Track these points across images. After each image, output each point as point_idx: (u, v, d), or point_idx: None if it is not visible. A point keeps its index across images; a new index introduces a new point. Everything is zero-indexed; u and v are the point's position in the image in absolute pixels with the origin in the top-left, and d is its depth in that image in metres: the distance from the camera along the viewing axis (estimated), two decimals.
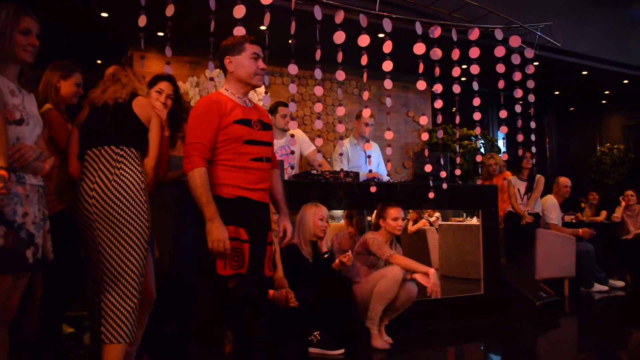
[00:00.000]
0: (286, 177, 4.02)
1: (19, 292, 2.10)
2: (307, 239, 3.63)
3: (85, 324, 3.47)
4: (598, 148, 10.71)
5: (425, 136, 5.01)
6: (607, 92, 10.08)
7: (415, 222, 7.51)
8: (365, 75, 4.19)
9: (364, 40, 4.14)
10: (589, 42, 7.74)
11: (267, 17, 3.80)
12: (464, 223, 6.85)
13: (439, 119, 4.65)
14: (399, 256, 3.74)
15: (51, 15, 5.68)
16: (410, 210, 7.28)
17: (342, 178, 4.11)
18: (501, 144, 9.79)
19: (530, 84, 5.01)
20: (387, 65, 4.20)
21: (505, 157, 5.92)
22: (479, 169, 5.34)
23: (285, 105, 4.60)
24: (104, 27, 6.33)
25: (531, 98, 5.10)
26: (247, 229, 2.34)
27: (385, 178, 4.76)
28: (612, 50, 8.03)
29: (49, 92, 2.88)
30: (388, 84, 4.23)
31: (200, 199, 2.26)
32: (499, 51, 4.75)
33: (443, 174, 4.49)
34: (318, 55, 4.05)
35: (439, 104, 4.64)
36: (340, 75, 4.07)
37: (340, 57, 4.05)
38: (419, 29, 4.46)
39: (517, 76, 4.89)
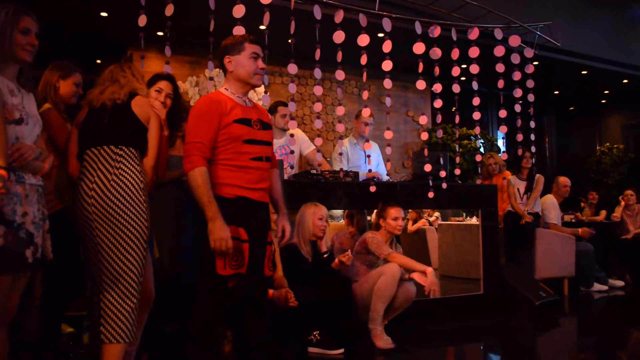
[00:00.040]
0: (286, 177, 4.02)
1: (19, 292, 2.10)
2: (306, 239, 3.64)
3: (84, 323, 3.47)
4: (598, 148, 10.72)
5: (424, 136, 5.01)
6: (606, 92, 10.08)
7: (414, 221, 7.51)
8: (364, 74, 4.19)
9: (363, 40, 4.14)
10: (589, 42, 7.74)
11: (267, 17, 3.80)
12: (464, 223, 6.85)
13: (439, 118, 4.65)
14: (397, 255, 3.75)
15: (51, 15, 5.68)
16: (410, 210, 7.28)
17: (341, 178, 4.11)
18: (501, 143, 9.79)
19: (530, 83, 5.01)
20: (387, 65, 4.20)
21: (504, 156, 5.92)
22: (479, 169, 5.34)
23: (285, 104, 4.60)
24: (103, 27, 6.33)
25: (531, 98, 5.10)
26: (247, 228, 2.34)
27: (385, 178, 4.76)
28: (611, 50, 8.03)
29: (48, 92, 2.88)
30: (388, 83, 4.23)
31: (202, 199, 2.26)
32: (499, 51, 4.75)
33: (442, 174, 4.49)
34: (318, 54, 4.05)
35: (438, 103, 4.64)
36: (340, 74, 4.07)
37: (339, 56, 4.05)
38: (418, 28, 4.46)
39: (517, 76, 4.89)
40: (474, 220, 6.67)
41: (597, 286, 6.03)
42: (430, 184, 4.40)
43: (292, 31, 3.88)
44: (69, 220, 2.55)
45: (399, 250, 3.99)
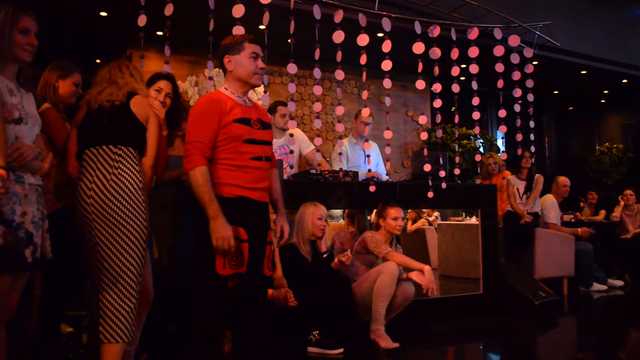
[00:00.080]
0: (285, 177, 4.02)
1: (18, 292, 2.10)
2: (305, 239, 3.64)
3: (84, 323, 3.47)
4: (597, 147, 10.73)
5: (424, 135, 5.00)
6: (606, 92, 10.09)
7: (414, 221, 7.51)
8: (364, 74, 4.19)
9: (363, 40, 4.14)
10: (588, 42, 7.74)
11: (266, 17, 3.80)
12: (463, 222, 6.86)
13: (438, 118, 4.65)
14: (395, 253, 3.76)
15: (50, 15, 5.68)
16: (410, 210, 7.28)
17: (341, 177, 4.11)
18: (500, 143, 9.79)
19: (530, 83, 5.00)
20: (386, 65, 4.20)
21: (504, 156, 5.93)
22: (478, 169, 5.34)
23: (285, 104, 4.59)
24: (103, 27, 6.33)
25: (530, 97, 5.10)
26: (247, 228, 2.33)
27: (385, 177, 4.76)
28: (611, 50, 8.03)
29: (47, 92, 2.88)
30: (387, 83, 4.23)
31: (203, 198, 2.26)
32: (498, 50, 4.74)
33: (442, 174, 4.49)
34: (317, 54, 4.04)
35: (438, 103, 4.64)
36: (340, 74, 4.06)
37: (339, 56, 4.04)
38: (418, 28, 4.46)
39: (516, 75, 4.89)
40: (473, 220, 6.67)
41: (596, 286, 6.03)
42: (430, 183, 4.40)
43: (291, 31, 3.88)
44: (67, 220, 2.55)
45: (399, 250, 4.00)
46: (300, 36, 3.89)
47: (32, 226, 2.05)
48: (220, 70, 2.57)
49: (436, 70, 4.52)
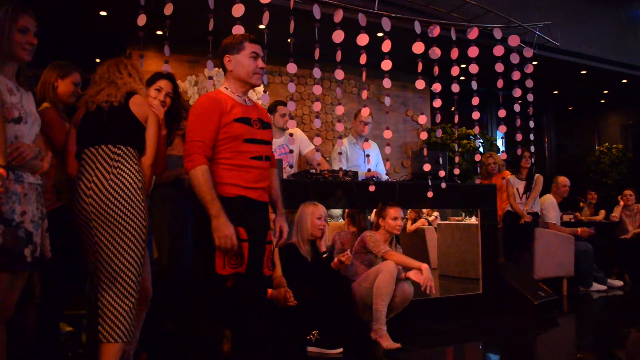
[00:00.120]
0: (285, 176, 4.02)
1: (18, 291, 2.10)
2: (305, 238, 3.64)
3: (83, 322, 3.46)
4: (597, 147, 10.73)
5: (424, 135, 5.00)
6: (605, 92, 10.09)
7: (414, 221, 7.51)
8: (364, 74, 4.19)
9: (362, 40, 4.14)
10: (588, 42, 7.75)
11: (266, 16, 3.80)
12: (463, 222, 6.86)
13: (438, 118, 4.65)
14: (393, 252, 3.76)
15: (50, 14, 5.68)
16: (409, 210, 7.28)
17: (340, 177, 4.11)
18: (500, 143, 9.79)
19: (529, 83, 5.01)
20: (386, 65, 4.20)
21: (504, 156, 5.93)
22: (478, 168, 5.34)
23: (284, 104, 4.60)
24: (103, 26, 6.32)
25: (530, 97, 5.11)
26: (247, 228, 2.33)
27: (384, 177, 4.76)
28: (611, 50, 8.03)
29: (47, 91, 2.88)
30: (387, 83, 4.23)
31: (204, 197, 2.25)
32: (498, 50, 4.74)
33: (442, 173, 4.49)
34: (317, 54, 4.04)
35: (437, 103, 4.64)
36: (339, 74, 4.06)
37: (339, 56, 4.04)
38: (417, 28, 4.46)
39: (516, 75, 4.89)
40: (473, 220, 6.67)
41: (596, 286, 6.03)
42: (430, 183, 4.40)
43: (291, 30, 3.87)
44: (66, 219, 2.55)
45: (399, 250, 4.00)
46: (300, 36, 3.89)
47: (32, 225, 2.05)
48: (220, 69, 2.57)
49: (436, 70, 4.52)
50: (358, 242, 3.93)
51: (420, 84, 4.45)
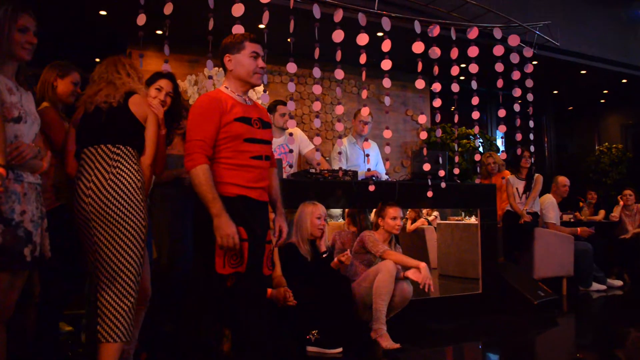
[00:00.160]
0: (284, 176, 4.02)
1: (17, 291, 2.10)
2: (305, 238, 3.63)
3: (82, 322, 3.46)
4: (596, 147, 10.73)
5: (423, 135, 5.00)
6: (605, 92, 10.09)
7: (413, 221, 7.51)
8: (364, 74, 4.19)
9: (362, 39, 4.13)
10: (588, 42, 7.75)
11: (266, 16, 3.80)
12: (463, 222, 6.86)
13: (438, 117, 4.65)
14: (391, 252, 3.77)
15: (50, 14, 5.68)
16: (409, 209, 7.28)
17: (340, 177, 4.11)
18: (500, 142, 9.79)
19: (529, 83, 5.00)
20: (386, 64, 4.19)
21: (503, 156, 5.93)
22: (478, 168, 5.34)
23: (284, 103, 4.59)
24: (103, 26, 6.32)
25: (530, 97, 5.10)
26: (247, 227, 2.33)
27: (384, 177, 4.76)
28: (611, 50, 8.03)
29: (46, 91, 2.88)
30: (387, 82, 4.23)
31: (206, 196, 2.25)
32: (498, 50, 4.74)
33: (441, 173, 4.49)
34: (317, 53, 4.04)
35: (437, 102, 4.63)
36: (339, 74, 4.06)
37: (339, 55, 4.04)
38: (417, 27, 4.45)
39: (516, 75, 4.89)
40: (472, 220, 6.68)
41: (595, 286, 6.04)
42: (429, 183, 4.40)
43: (291, 30, 3.87)
44: (65, 218, 2.55)
45: (398, 250, 4.00)
46: (299, 35, 3.88)
47: (31, 225, 2.05)
48: (220, 69, 2.57)
49: (436, 69, 4.52)
50: (357, 241, 3.93)
51: (420, 83, 4.45)
